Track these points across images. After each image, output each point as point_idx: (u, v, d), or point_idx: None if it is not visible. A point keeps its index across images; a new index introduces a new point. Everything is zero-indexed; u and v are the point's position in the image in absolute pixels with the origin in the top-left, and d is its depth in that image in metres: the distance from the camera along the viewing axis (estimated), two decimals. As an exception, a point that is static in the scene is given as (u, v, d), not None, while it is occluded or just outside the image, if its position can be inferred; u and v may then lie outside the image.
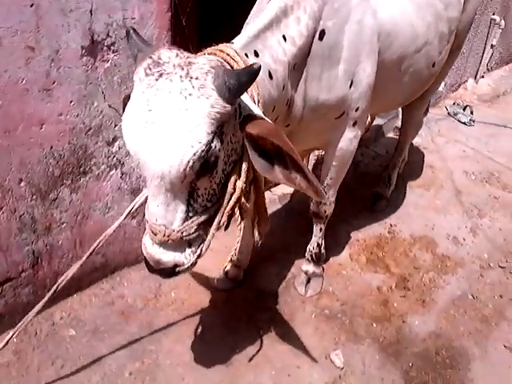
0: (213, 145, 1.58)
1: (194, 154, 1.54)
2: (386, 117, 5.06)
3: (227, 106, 1.57)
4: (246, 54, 1.89)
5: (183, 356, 2.64)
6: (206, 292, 3.03)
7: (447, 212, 4.08)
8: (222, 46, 1.84)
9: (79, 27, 2.29)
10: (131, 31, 1.71)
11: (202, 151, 1.55)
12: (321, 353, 2.74)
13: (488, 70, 7.37)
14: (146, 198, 1.85)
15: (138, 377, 2.52)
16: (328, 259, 3.34)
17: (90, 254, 2.27)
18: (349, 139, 2.59)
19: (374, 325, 2.96)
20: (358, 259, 3.44)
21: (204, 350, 2.68)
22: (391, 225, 3.81)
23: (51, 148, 2.43)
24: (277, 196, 3.90)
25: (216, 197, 1.78)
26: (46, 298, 2.30)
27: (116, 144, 2.68)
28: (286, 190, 3.90)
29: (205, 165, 1.60)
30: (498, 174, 4.75)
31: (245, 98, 1.73)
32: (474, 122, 5.83)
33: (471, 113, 5.96)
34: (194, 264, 1.83)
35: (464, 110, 6.01)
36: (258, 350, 2.71)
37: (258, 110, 1.77)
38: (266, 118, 1.75)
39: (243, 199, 1.88)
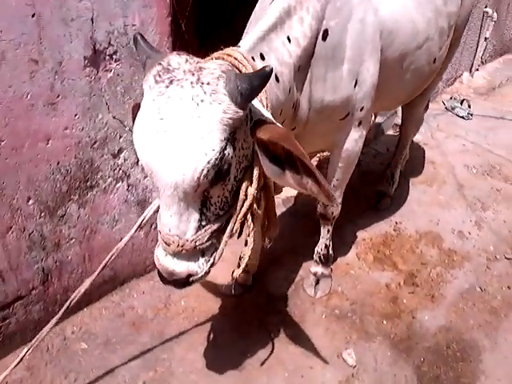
0: (226, 152, 1.57)
1: (208, 162, 1.52)
2: (385, 114, 5.08)
3: (239, 111, 1.56)
4: (253, 58, 1.88)
5: (196, 363, 2.65)
6: (215, 299, 3.04)
7: (451, 207, 4.10)
8: (229, 50, 1.83)
9: (81, 36, 2.28)
10: (138, 37, 1.70)
11: (216, 159, 1.54)
12: (333, 352, 2.76)
13: (482, 62, 7.39)
14: (157, 209, 1.86)
15: (152, 385, 2.54)
16: (335, 259, 3.36)
17: (103, 268, 2.26)
18: (354, 139, 2.60)
19: (385, 322, 2.98)
20: (365, 258, 3.46)
21: (216, 356, 2.69)
22: (396, 222, 3.83)
23: (58, 163, 2.43)
24: (281, 199, 3.92)
25: (228, 204, 1.77)
26: (59, 314, 2.29)
27: (121, 156, 2.69)
28: (289, 193, 3.92)
29: (218, 172, 1.59)
30: (499, 167, 4.77)
31: (255, 102, 1.71)
32: (471, 115, 5.85)
33: (469, 106, 5.98)
34: (207, 273, 1.82)
35: (461, 103, 6.03)
36: (270, 353, 2.73)
37: (268, 115, 1.76)
38: (277, 123, 1.74)
39: (255, 205, 1.87)
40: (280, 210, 3.88)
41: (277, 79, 1.96)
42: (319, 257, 3.14)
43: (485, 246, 3.67)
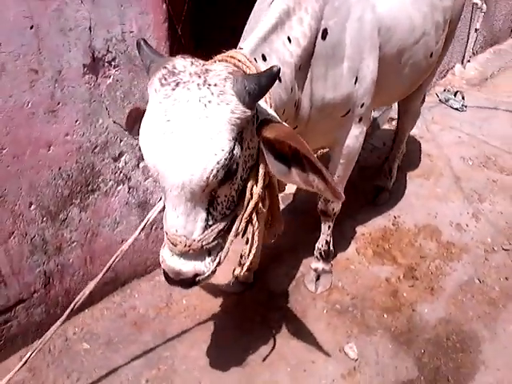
0: (235, 151, 1.59)
1: (218, 162, 1.54)
2: (381, 109, 5.09)
3: (247, 111, 1.58)
4: (255, 59, 1.90)
5: (199, 360, 2.69)
6: (216, 297, 3.07)
7: (448, 199, 4.14)
8: (231, 53, 1.85)
9: (80, 45, 2.32)
10: (142, 42, 1.72)
11: (226, 159, 1.55)
12: (335, 346, 2.80)
13: (474, 53, 7.42)
14: (160, 211, 1.88)
15: (155, 383, 2.57)
16: (335, 255, 3.39)
17: (107, 270, 2.30)
18: (355, 136, 2.62)
19: (385, 315, 3.02)
20: (364, 253, 3.50)
21: (219, 353, 2.73)
22: (395, 216, 3.87)
23: (59, 169, 2.47)
24: (279, 196, 3.95)
25: (234, 204, 1.79)
26: (63, 317, 2.32)
27: (122, 159, 2.72)
28: (288, 190, 3.94)
29: (227, 172, 1.61)
30: (495, 158, 4.81)
31: (261, 102, 1.73)
32: (466, 107, 5.87)
33: (462, 98, 6.00)
34: (213, 272, 1.84)
35: (455, 95, 6.06)
36: (273, 349, 2.77)
37: (274, 114, 1.79)
38: (283, 122, 1.76)
39: (260, 204, 1.89)
40: (279, 207, 3.91)
41: (279, 79, 1.97)
42: (320, 253, 3.18)
43: (482, 237, 3.71)
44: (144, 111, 1.78)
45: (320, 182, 1.70)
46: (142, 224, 2.32)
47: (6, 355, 2.63)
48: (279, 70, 1.56)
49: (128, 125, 2.09)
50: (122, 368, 2.63)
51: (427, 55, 2.98)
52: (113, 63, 2.50)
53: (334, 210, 2.99)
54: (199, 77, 1.58)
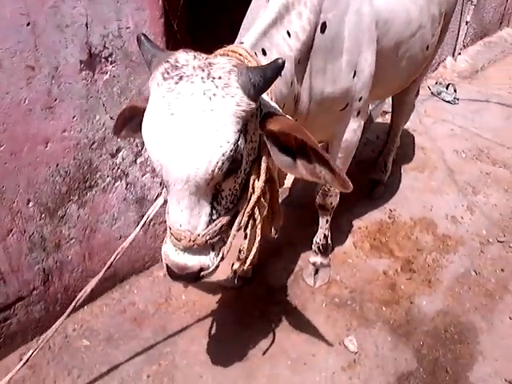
0: (239, 143, 1.59)
1: (223, 155, 1.54)
2: (374, 102, 5.11)
3: (252, 103, 1.58)
4: (255, 53, 1.89)
5: (199, 355, 2.70)
6: (216, 292, 3.07)
7: (443, 192, 4.16)
8: (233, 47, 1.84)
9: (76, 42, 2.30)
10: (142, 38, 1.70)
11: (231, 150, 1.55)
12: (334, 340, 2.82)
13: (464, 46, 7.44)
14: (161, 207, 1.86)
15: (157, 379, 2.58)
16: (333, 249, 3.40)
17: (108, 267, 2.28)
18: (353, 130, 2.63)
19: (384, 308, 3.04)
20: (362, 246, 3.52)
21: (219, 348, 2.74)
22: (391, 210, 3.89)
23: (57, 166, 2.45)
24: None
25: (237, 197, 1.78)
26: (65, 315, 2.30)
27: (119, 155, 2.71)
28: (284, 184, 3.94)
29: (232, 165, 1.61)
30: (487, 150, 4.84)
31: (264, 95, 1.73)
32: (458, 99, 5.90)
33: (454, 91, 6.02)
34: (217, 267, 1.83)
35: (447, 88, 6.08)
36: (273, 343, 2.78)
37: (277, 107, 1.78)
38: (287, 115, 1.76)
39: (262, 198, 1.89)
40: (276, 201, 3.92)
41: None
42: (318, 247, 3.18)
43: (477, 230, 3.74)
44: (140, 108, 1.77)
45: (327, 173, 1.69)
46: (143, 220, 2.30)
47: (5, 353, 2.63)
48: (284, 62, 1.56)
49: (117, 126, 2.07)
50: (123, 364, 2.63)
51: (423, 48, 2.99)
52: (109, 59, 2.48)
53: (332, 203, 3.00)
54: (203, 70, 1.57)
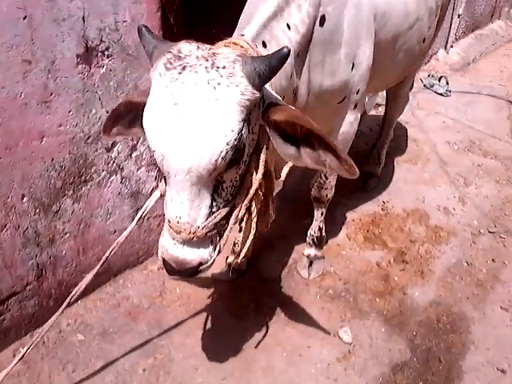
0: (243, 132, 1.59)
1: (228, 144, 1.53)
2: (367, 95, 5.12)
3: (256, 92, 1.58)
4: (256, 46, 1.89)
5: (195, 348, 2.71)
6: (210, 285, 3.08)
7: (435, 184, 4.20)
8: (234, 39, 1.84)
9: (73, 35, 2.29)
10: (143, 29, 1.70)
11: (235, 140, 1.55)
12: (329, 331, 2.84)
13: (456, 39, 7.48)
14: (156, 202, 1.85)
15: (152, 372, 2.58)
16: (327, 241, 3.42)
17: (103, 263, 2.26)
18: (350, 122, 2.64)
19: (377, 299, 3.07)
20: (355, 238, 3.55)
21: (215, 341, 2.76)
22: (384, 202, 3.92)
23: (52, 160, 2.44)
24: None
25: (236, 190, 1.78)
26: (60, 311, 2.27)
27: (115, 149, 2.71)
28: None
29: (235, 154, 1.60)
30: (479, 142, 4.89)
31: (266, 85, 1.72)
32: (450, 92, 5.93)
33: (447, 83, 6.05)
34: (214, 261, 1.82)
35: (439, 80, 6.11)
36: (268, 335, 2.80)
37: (279, 98, 1.79)
38: (290, 105, 1.76)
39: (259, 191, 1.90)
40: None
41: None
42: (312, 239, 3.20)
43: (469, 221, 3.78)
44: (138, 103, 1.77)
45: (333, 160, 1.69)
46: (139, 214, 2.29)
47: (-1, 348, 2.63)
48: (289, 51, 1.56)
49: (109, 122, 2.02)
50: (118, 358, 2.63)
51: (420, 41, 3.01)
52: (106, 53, 2.47)
53: (327, 196, 3.02)
54: (206, 60, 1.57)
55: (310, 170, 3.41)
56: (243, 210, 1.85)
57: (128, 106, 1.93)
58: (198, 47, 1.63)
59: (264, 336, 2.79)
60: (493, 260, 3.42)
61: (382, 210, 3.84)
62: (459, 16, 7.09)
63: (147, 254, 3.21)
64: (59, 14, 2.20)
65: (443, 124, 5.24)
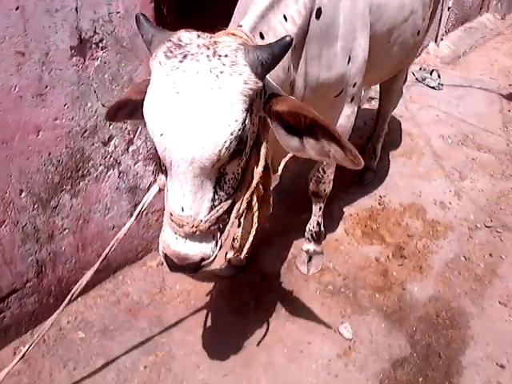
0: (246, 123, 1.56)
1: (231, 134, 1.50)
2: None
3: (259, 81, 1.55)
4: (254, 37, 1.85)
5: (196, 345, 2.68)
6: (210, 281, 3.05)
7: (431, 178, 4.19)
8: (232, 30, 1.80)
9: (66, 27, 2.23)
10: (141, 17, 1.66)
11: (239, 130, 1.52)
12: (329, 327, 2.83)
13: (446, 32, 7.48)
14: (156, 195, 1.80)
15: (154, 369, 2.55)
16: (325, 236, 3.40)
17: (103, 259, 2.23)
18: (347, 116, 2.61)
19: (377, 295, 3.06)
20: (353, 233, 3.53)
21: (215, 338, 2.73)
22: (380, 196, 3.90)
23: (49, 154, 2.39)
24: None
25: (237, 183, 1.75)
26: (61, 308, 2.23)
27: (112, 143, 2.65)
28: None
29: (239, 145, 1.57)
30: (472, 136, 4.90)
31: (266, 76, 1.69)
32: (442, 85, 5.93)
33: (438, 76, 6.06)
34: (216, 256, 1.79)
35: (431, 74, 6.10)
36: (269, 331, 2.78)
37: (280, 89, 1.75)
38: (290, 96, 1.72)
39: (260, 185, 1.86)
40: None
41: None
42: (311, 234, 3.18)
43: (465, 215, 3.78)
44: (137, 100, 1.72)
45: (337, 151, 1.67)
46: (138, 209, 2.23)
47: (-1, 347, 2.58)
48: (292, 39, 1.54)
49: (112, 111, 1.98)
50: (119, 356, 2.60)
51: (414, 33, 2.99)
52: (100, 45, 2.42)
53: (325, 190, 2.99)
54: (208, 48, 1.54)
55: (306, 164, 3.40)
56: (244, 204, 1.81)
57: (126, 103, 1.88)
58: (199, 36, 1.59)
59: (265, 332, 2.77)
60: (490, 254, 3.42)
61: (379, 204, 3.82)
62: (449, 9, 7.10)
63: (146, 249, 3.17)
64: (52, 4, 2.15)
65: (436, 117, 5.24)
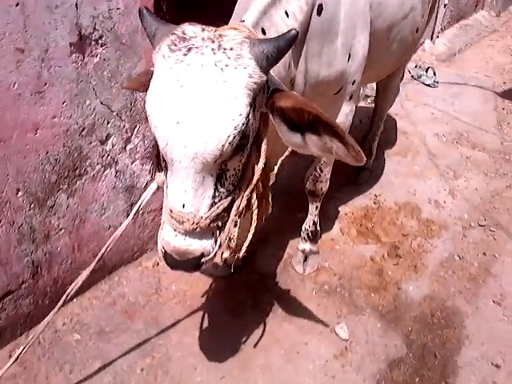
0: (250, 117, 1.54)
1: (235, 128, 1.49)
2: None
3: (263, 75, 1.54)
4: (256, 33, 1.83)
5: (193, 347, 2.67)
6: (206, 281, 3.04)
7: (425, 177, 4.21)
8: (234, 25, 1.77)
9: (66, 23, 2.20)
10: (144, 11, 1.65)
11: (243, 124, 1.51)
12: (326, 327, 2.83)
13: (442, 29, 7.49)
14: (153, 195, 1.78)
15: (151, 371, 2.54)
16: (320, 235, 3.40)
17: (99, 259, 2.20)
18: (345, 114, 2.60)
19: (372, 295, 3.07)
20: (348, 233, 3.53)
21: (212, 339, 2.72)
22: (376, 195, 3.91)
23: (47, 153, 2.36)
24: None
25: (237, 180, 1.73)
26: (56, 309, 2.21)
27: (109, 142, 2.63)
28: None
29: (242, 140, 1.56)
30: (467, 134, 4.92)
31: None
32: (437, 83, 5.94)
33: (434, 74, 6.07)
34: (216, 254, 1.77)
35: (426, 71, 6.11)
36: (265, 332, 2.77)
37: (282, 84, 1.74)
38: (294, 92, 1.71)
39: (259, 182, 1.86)
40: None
41: None
42: (307, 234, 3.18)
43: (460, 214, 3.80)
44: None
45: (340, 148, 1.65)
46: (135, 208, 2.20)
47: (-6, 349, 2.55)
48: (298, 33, 1.53)
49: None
50: (116, 358, 2.58)
51: (413, 30, 2.99)
52: (100, 41, 2.39)
53: (322, 189, 2.99)
54: (213, 42, 1.53)
55: (302, 163, 3.39)
56: (244, 201, 1.80)
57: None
58: (203, 29, 1.58)
59: (261, 333, 2.77)
60: (484, 253, 3.44)
61: (374, 203, 3.83)
62: (445, 6, 7.10)
63: (142, 250, 3.15)
64: (52, 0, 2.12)
65: (431, 115, 5.25)
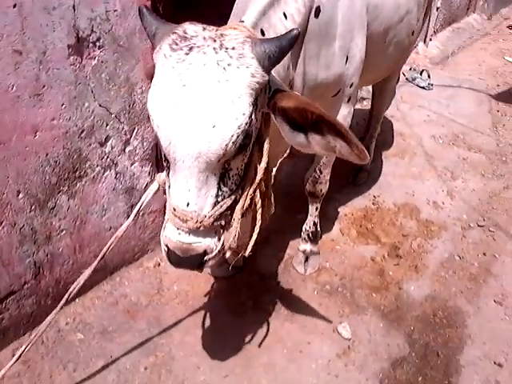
0: (253, 117, 1.54)
1: (239, 127, 1.49)
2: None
3: (266, 75, 1.54)
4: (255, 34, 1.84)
5: (195, 346, 2.67)
6: (207, 281, 3.04)
7: (423, 178, 4.22)
8: (234, 25, 1.77)
9: (64, 25, 2.20)
10: (144, 10, 1.64)
11: (246, 123, 1.51)
12: (328, 327, 2.83)
13: (434, 32, 7.53)
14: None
15: (154, 370, 2.54)
16: (320, 236, 3.40)
17: (101, 258, 2.20)
18: (343, 116, 2.61)
19: (374, 295, 3.06)
20: (348, 233, 3.53)
21: (215, 338, 2.72)
22: (374, 196, 3.91)
23: (47, 155, 2.36)
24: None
25: (240, 179, 1.73)
26: (58, 308, 2.23)
27: (108, 144, 2.62)
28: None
29: (245, 139, 1.56)
30: (463, 136, 4.93)
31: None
32: (432, 85, 5.96)
33: (428, 76, 6.08)
34: (219, 252, 1.77)
35: (421, 74, 6.13)
36: (268, 332, 2.77)
37: (283, 84, 1.74)
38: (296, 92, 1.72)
39: (262, 181, 1.85)
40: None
41: None
42: (308, 234, 3.18)
43: (458, 214, 3.81)
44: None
45: (343, 146, 1.65)
46: (136, 208, 2.20)
47: (-3, 348, 2.56)
48: (299, 32, 1.53)
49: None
50: (119, 357, 2.59)
51: (409, 33, 3.00)
52: (97, 43, 2.39)
53: (322, 190, 2.99)
54: (214, 41, 1.53)
55: (302, 164, 3.39)
56: (248, 200, 1.80)
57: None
58: (204, 28, 1.58)
59: (264, 333, 2.76)
60: (484, 254, 3.44)
61: (373, 204, 3.83)
62: (437, 9, 7.14)
63: (143, 250, 3.15)
64: (49, 2, 2.11)
65: (427, 118, 5.26)
